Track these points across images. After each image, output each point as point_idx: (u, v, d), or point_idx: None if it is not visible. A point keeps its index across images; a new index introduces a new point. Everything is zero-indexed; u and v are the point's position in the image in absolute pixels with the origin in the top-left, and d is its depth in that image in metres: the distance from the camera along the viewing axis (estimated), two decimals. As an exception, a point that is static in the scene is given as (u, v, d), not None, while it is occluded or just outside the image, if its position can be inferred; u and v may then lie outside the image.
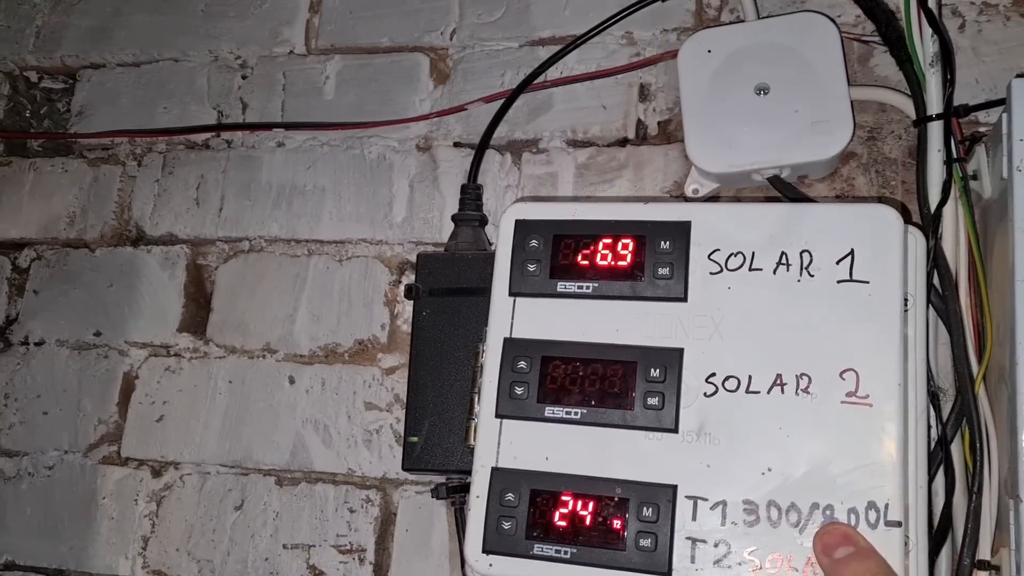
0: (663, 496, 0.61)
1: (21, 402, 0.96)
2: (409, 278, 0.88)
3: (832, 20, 0.76)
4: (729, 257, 0.65)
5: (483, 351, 0.69)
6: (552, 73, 0.88)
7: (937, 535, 0.65)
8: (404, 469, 0.77)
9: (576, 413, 0.64)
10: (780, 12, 0.83)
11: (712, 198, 0.79)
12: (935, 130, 0.71)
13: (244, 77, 1.00)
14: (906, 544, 0.57)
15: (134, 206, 0.99)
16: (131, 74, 1.04)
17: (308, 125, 0.95)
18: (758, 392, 0.62)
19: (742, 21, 0.81)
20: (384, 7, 0.96)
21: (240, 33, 1.01)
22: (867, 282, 0.62)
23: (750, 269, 0.64)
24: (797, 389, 0.61)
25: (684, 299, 0.65)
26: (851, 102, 0.74)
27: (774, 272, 0.64)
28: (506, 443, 0.66)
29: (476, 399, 0.69)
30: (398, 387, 0.85)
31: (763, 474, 0.60)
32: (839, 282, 0.62)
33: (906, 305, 0.62)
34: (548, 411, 0.65)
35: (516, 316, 0.68)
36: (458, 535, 0.76)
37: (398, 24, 0.95)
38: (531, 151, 0.88)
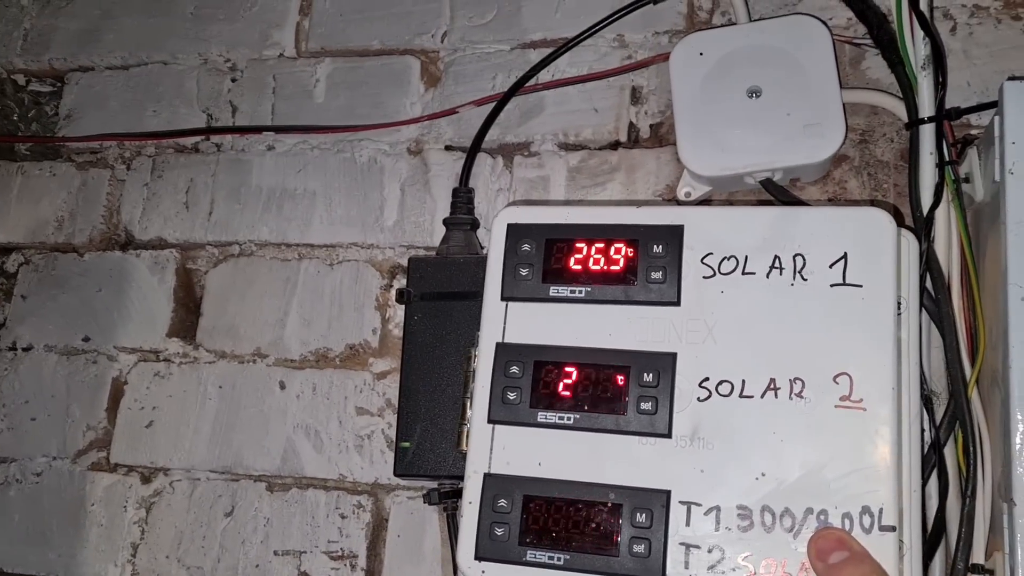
0: (657, 501, 0.61)
1: (9, 408, 0.95)
2: (400, 282, 0.88)
3: (824, 23, 0.76)
4: (722, 261, 0.65)
5: (475, 356, 0.69)
6: (544, 76, 0.88)
7: (931, 539, 0.65)
8: (396, 474, 0.76)
9: (569, 418, 0.64)
10: (772, 15, 0.83)
11: (704, 201, 0.79)
12: (927, 133, 0.72)
13: (234, 80, 0.99)
14: (900, 548, 0.57)
15: (123, 210, 0.99)
16: (120, 77, 1.03)
17: (298, 128, 0.95)
18: (752, 396, 0.61)
19: (734, 24, 0.81)
20: (375, 10, 0.96)
21: (230, 36, 1.00)
22: (860, 286, 0.62)
23: (743, 273, 0.64)
24: (791, 393, 0.61)
25: (677, 303, 0.65)
26: (843, 105, 0.74)
27: (767, 276, 0.63)
28: (499, 448, 0.65)
29: (468, 404, 0.69)
30: (390, 392, 0.85)
31: (757, 479, 0.60)
32: (832, 286, 0.62)
33: (899, 308, 0.62)
34: (541, 416, 0.65)
35: (508, 321, 0.68)
36: (450, 541, 0.76)
37: (389, 27, 0.95)
38: (523, 154, 0.88)
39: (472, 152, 0.86)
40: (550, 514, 0.63)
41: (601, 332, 0.65)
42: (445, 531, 0.79)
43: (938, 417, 0.67)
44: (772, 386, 0.61)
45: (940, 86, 0.72)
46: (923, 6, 0.73)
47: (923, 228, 0.69)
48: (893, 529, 0.57)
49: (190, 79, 1.01)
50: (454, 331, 0.77)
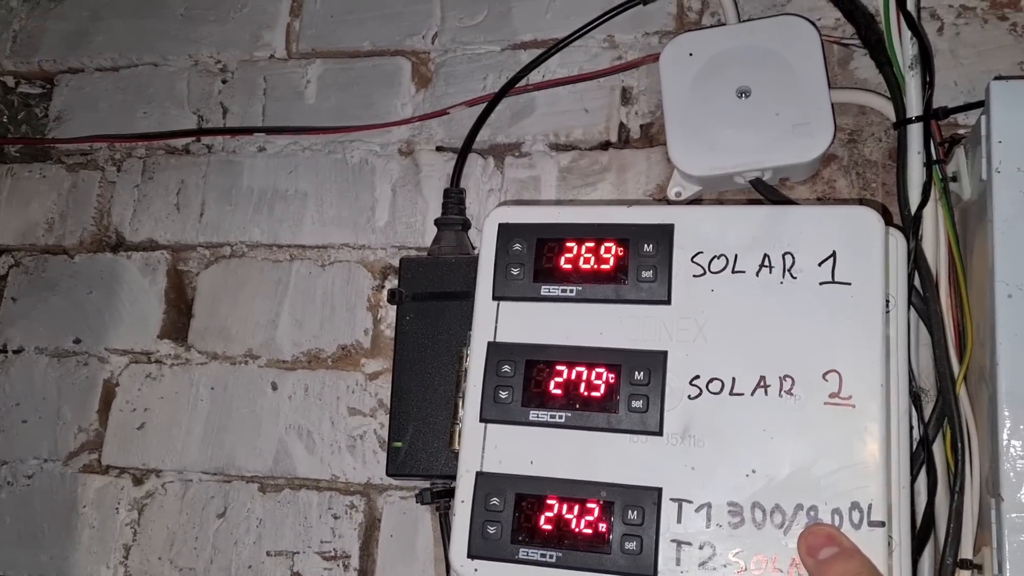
0: (648, 499, 0.61)
1: (0, 410, 0.95)
2: (392, 283, 0.88)
3: (812, 23, 0.77)
4: (712, 259, 0.65)
5: (467, 355, 0.69)
6: (534, 77, 0.88)
7: (920, 534, 0.65)
8: (388, 474, 0.76)
9: (561, 417, 0.64)
10: (761, 15, 0.83)
11: (695, 201, 0.79)
12: (915, 132, 0.72)
13: (224, 82, 0.99)
14: (889, 544, 0.58)
15: (113, 212, 0.98)
16: (110, 79, 1.03)
17: (289, 130, 0.95)
18: (742, 394, 0.62)
19: (723, 24, 0.81)
20: (365, 11, 0.96)
21: (220, 37, 1.00)
22: (849, 283, 0.62)
23: (733, 271, 0.64)
24: (780, 391, 0.61)
25: (668, 302, 0.65)
26: (831, 105, 0.74)
27: (757, 274, 0.64)
28: (491, 447, 0.65)
29: (460, 403, 0.69)
30: (382, 392, 0.85)
31: (747, 476, 0.60)
32: (821, 284, 0.62)
33: (888, 306, 0.62)
34: (533, 415, 0.65)
35: (500, 320, 0.68)
36: (443, 540, 0.76)
37: (379, 28, 0.95)
38: (514, 155, 0.88)
39: (463, 153, 0.87)
40: (542, 512, 0.63)
41: (592, 331, 0.66)
42: (438, 531, 0.80)
43: (927, 414, 0.67)
44: (762, 384, 0.62)
45: (927, 86, 0.73)
46: (910, 6, 0.73)
47: (911, 226, 0.70)
48: (882, 524, 0.57)
49: (180, 80, 1.01)
50: (445, 331, 0.77)
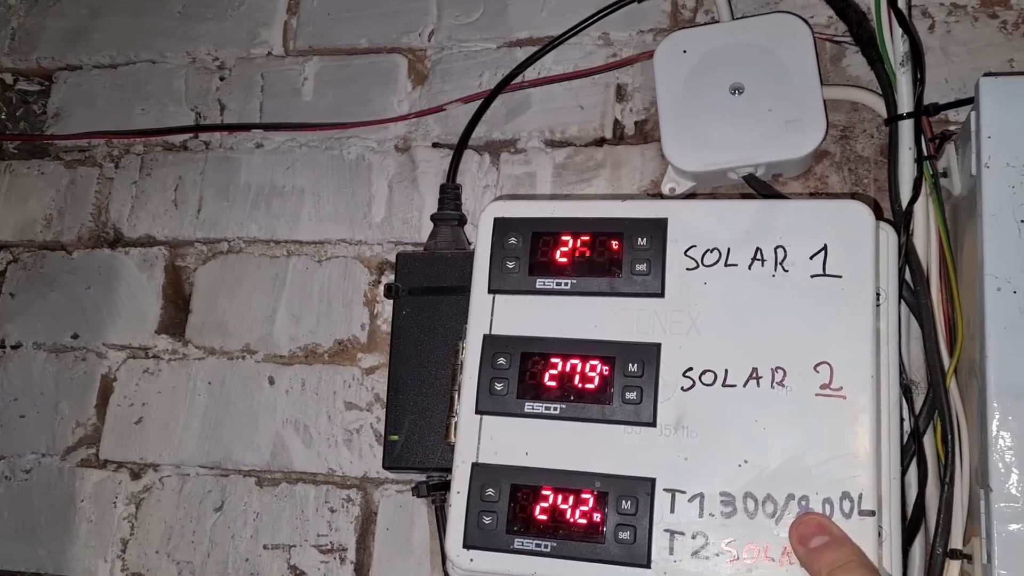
0: (642, 489, 0.62)
1: (-3, 405, 0.96)
2: (389, 278, 0.88)
3: (805, 21, 0.77)
4: (705, 253, 0.66)
5: (463, 348, 0.69)
6: (530, 74, 0.89)
7: (910, 525, 0.66)
8: (385, 468, 0.77)
9: (555, 408, 0.65)
10: (754, 13, 0.84)
11: (688, 196, 0.80)
12: (906, 129, 0.73)
13: (222, 79, 1.00)
14: (880, 534, 0.58)
15: (111, 208, 0.99)
16: (108, 76, 1.03)
17: (287, 126, 0.95)
18: (734, 386, 0.62)
19: (717, 22, 0.82)
20: (362, 8, 0.97)
21: (218, 34, 1.01)
22: (840, 276, 0.63)
23: (726, 265, 0.65)
24: (772, 382, 0.62)
25: (661, 295, 0.66)
26: (824, 101, 0.75)
27: (749, 267, 0.64)
28: (486, 439, 0.66)
29: (456, 396, 0.70)
30: (378, 386, 0.86)
31: (740, 466, 0.61)
32: (813, 277, 0.63)
33: (878, 300, 0.63)
34: (528, 407, 0.65)
35: (495, 313, 0.68)
36: (439, 533, 0.76)
37: (376, 25, 0.96)
38: (509, 151, 0.89)
39: (459, 149, 0.87)
40: (537, 502, 0.63)
41: (587, 323, 0.66)
42: (434, 524, 0.80)
43: (917, 406, 0.68)
44: (754, 375, 0.62)
45: (918, 82, 0.74)
46: (901, 4, 0.74)
47: (902, 221, 0.70)
48: (872, 514, 0.58)
49: (178, 77, 1.01)
50: (442, 326, 0.77)
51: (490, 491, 0.64)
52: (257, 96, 0.98)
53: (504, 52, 0.92)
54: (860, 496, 0.58)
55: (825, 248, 0.63)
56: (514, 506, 0.64)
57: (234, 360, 0.91)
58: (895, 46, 0.74)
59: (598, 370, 0.65)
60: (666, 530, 0.61)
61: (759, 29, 0.78)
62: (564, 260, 0.68)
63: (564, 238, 0.68)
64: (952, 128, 0.76)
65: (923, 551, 0.67)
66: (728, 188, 0.81)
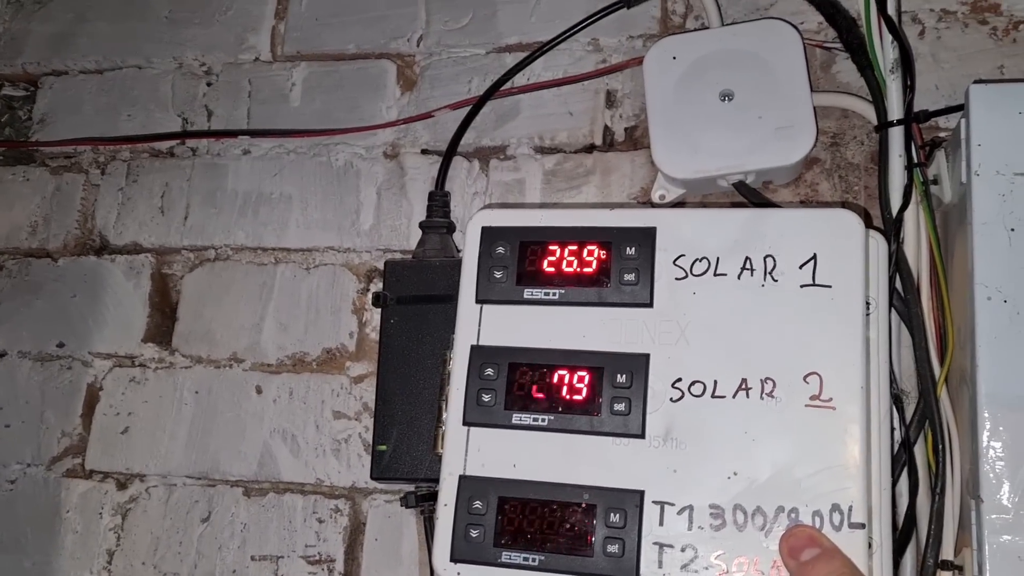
0: (630, 502, 0.61)
1: (-18, 415, 0.95)
2: (377, 286, 0.88)
3: (795, 27, 0.77)
4: (694, 262, 0.65)
5: (451, 358, 0.69)
6: (519, 80, 0.88)
7: (901, 536, 0.66)
8: (373, 478, 0.76)
9: (543, 420, 0.64)
10: (744, 19, 0.83)
11: (678, 204, 0.80)
12: (896, 136, 0.72)
13: (209, 84, 0.99)
14: (870, 545, 0.58)
15: (98, 215, 0.98)
16: (94, 81, 1.03)
17: (274, 132, 0.95)
18: (724, 397, 0.62)
19: (707, 28, 0.82)
20: (350, 14, 0.96)
21: (205, 40, 1.00)
22: (830, 286, 0.62)
23: (715, 274, 0.64)
24: (762, 393, 0.61)
25: (650, 305, 0.65)
26: (814, 108, 0.75)
27: (738, 277, 0.64)
28: (474, 450, 0.65)
29: (444, 407, 0.69)
30: (366, 396, 0.85)
31: (729, 478, 0.60)
32: (802, 286, 0.63)
33: (868, 309, 0.63)
34: (515, 418, 0.65)
35: (483, 323, 0.68)
36: (427, 544, 0.76)
37: (364, 31, 0.95)
38: (499, 158, 0.88)
39: (448, 156, 0.87)
40: (525, 515, 0.63)
41: (575, 334, 0.66)
42: (422, 534, 0.80)
43: (908, 416, 0.67)
44: (744, 386, 0.62)
45: (908, 89, 0.73)
46: (891, 10, 0.74)
47: (892, 229, 0.70)
48: (863, 527, 0.58)
49: (165, 83, 1.00)
50: (430, 334, 0.77)
51: (477, 504, 0.64)
52: (244, 102, 0.97)
53: (493, 58, 0.91)
54: (850, 508, 0.58)
55: (815, 257, 0.63)
56: (502, 519, 0.63)
57: (221, 369, 0.90)
58: (885, 52, 0.74)
59: (586, 381, 0.64)
60: (655, 543, 0.60)
61: (749, 35, 0.77)
62: (552, 270, 0.67)
63: (552, 247, 0.68)
64: (943, 135, 0.76)
65: (914, 562, 0.66)
66: (718, 195, 0.80)
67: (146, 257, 0.95)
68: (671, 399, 0.63)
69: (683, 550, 0.60)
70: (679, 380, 0.63)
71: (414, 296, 0.79)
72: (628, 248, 0.66)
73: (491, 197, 0.87)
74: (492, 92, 0.87)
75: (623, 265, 0.66)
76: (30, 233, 0.99)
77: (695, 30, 0.84)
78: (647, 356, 0.64)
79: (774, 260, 0.63)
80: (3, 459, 0.93)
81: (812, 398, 0.60)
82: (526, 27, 0.90)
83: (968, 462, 0.61)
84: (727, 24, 0.82)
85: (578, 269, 0.67)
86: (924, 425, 0.66)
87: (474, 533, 0.63)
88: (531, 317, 0.67)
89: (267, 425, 0.87)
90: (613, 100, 0.87)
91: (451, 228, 0.84)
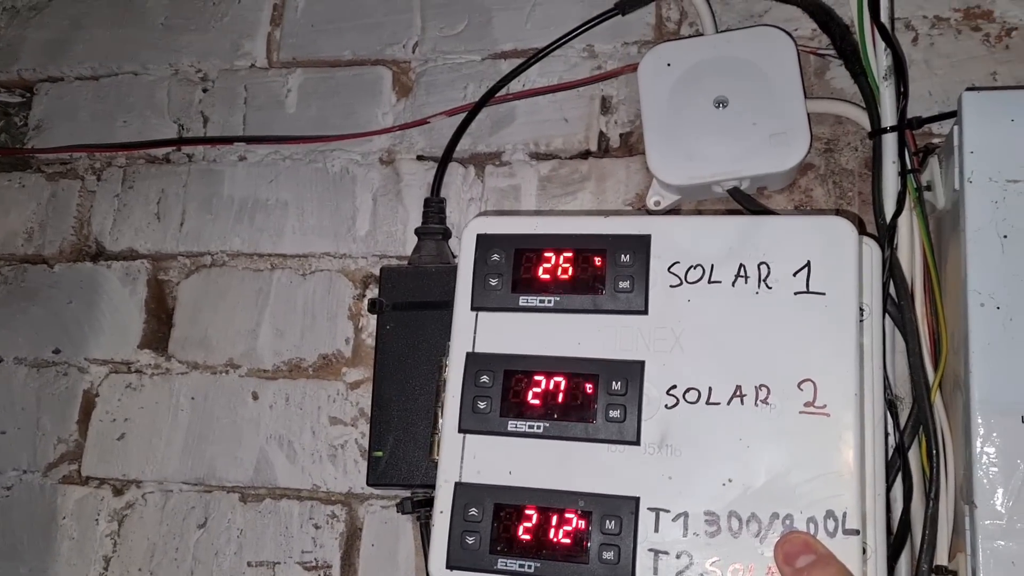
0: (626, 508, 0.61)
1: (-22, 422, 0.95)
2: (373, 292, 0.88)
3: (789, 34, 0.77)
4: (689, 270, 0.65)
5: (446, 365, 0.69)
6: (514, 86, 0.89)
7: (896, 541, 0.66)
8: (369, 484, 0.76)
9: (539, 427, 0.64)
10: (738, 26, 0.84)
11: (674, 210, 0.80)
12: (889, 142, 0.73)
13: (205, 91, 0.99)
14: (864, 551, 0.58)
15: (93, 221, 0.98)
16: (90, 88, 1.03)
17: (270, 139, 0.95)
18: (718, 403, 0.62)
19: (701, 35, 0.82)
20: (346, 20, 0.96)
21: (201, 46, 1.00)
22: (823, 293, 0.62)
23: (709, 282, 0.65)
24: (756, 400, 0.62)
25: (645, 312, 0.65)
26: (808, 114, 0.75)
27: (733, 284, 0.64)
28: (469, 457, 0.66)
29: (440, 414, 0.69)
30: (363, 401, 0.85)
31: (724, 485, 0.61)
32: (796, 294, 0.63)
33: (862, 315, 0.63)
34: (511, 425, 0.65)
35: (478, 331, 0.68)
36: (424, 550, 0.76)
37: (360, 37, 0.95)
38: (494, 164, 0.88)
39: (444, 162, 0.87)
40: (520, 522, 0.63)
41: (570, 341, 0.66)
42: (419, 540, 0.80)
43: (902, 421, 0.68)
44: (738, 393, 0.62)
45: (902, 96, 0.74)
46: (884, 17, 0.74)
47: (886, 235, 0.70)
48: (857, 533, 0.58)
49: (161, 89, 1.00)
50: (426, 341, 0.77)
51: (473, 511, 0.64)
52: (240, 108, 0.97)
53: (489, 64, 0.91)
54: (844, 515, 0.58)
55: (808, 265, 0.63)
56: (497, 526, 0.63)
57: (217, 375, 0.90)
58: (878, 59, 0.74)
59: (581, 388, 0.65)
60: (650, 549, 0.61)
61: (743, 42, 0.78)
62: (547, 277, 0.68)
63: (547, 255, 0.68)
64: (936, 141, 0.76)
65: (909, 567, 0.66)
66: (713, 202, 0.80)
67: (142, 263, 0.95)
68: (666, 406, 0.63)
69: (678, 557, 0.60)
70: (674, 387, 0.63)
71: (410, 302, 0.79)
72: (623, 255, 0.66)
73: (487, 203, 0.87)
74: (487, 98, 0.87)
75: (618, 272, 0.66)
76: (26, 239, 0.99)
77: (689, 37, 0.84)
78: (642, 363, 0.64)
79: (768, 267, 0.64)
80: (-1, 466, 0.93)
81: (806, 405, 0.61)
82: (521, 34, 0.91)
83: (962, 468, 0.62)
84: (721, 31, 0.82)
85: (573, 276, 0.67)
86: (918, 431, 0.67)
87: (470, 540, 0.63)
88: (526, 324, 0.67)
89: (263, 431, 0.87)
90: (608, 106, 0.87)
91: (447, 234, 0.84)
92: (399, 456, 0.75)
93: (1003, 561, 0.57)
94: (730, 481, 0.61)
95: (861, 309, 0.63)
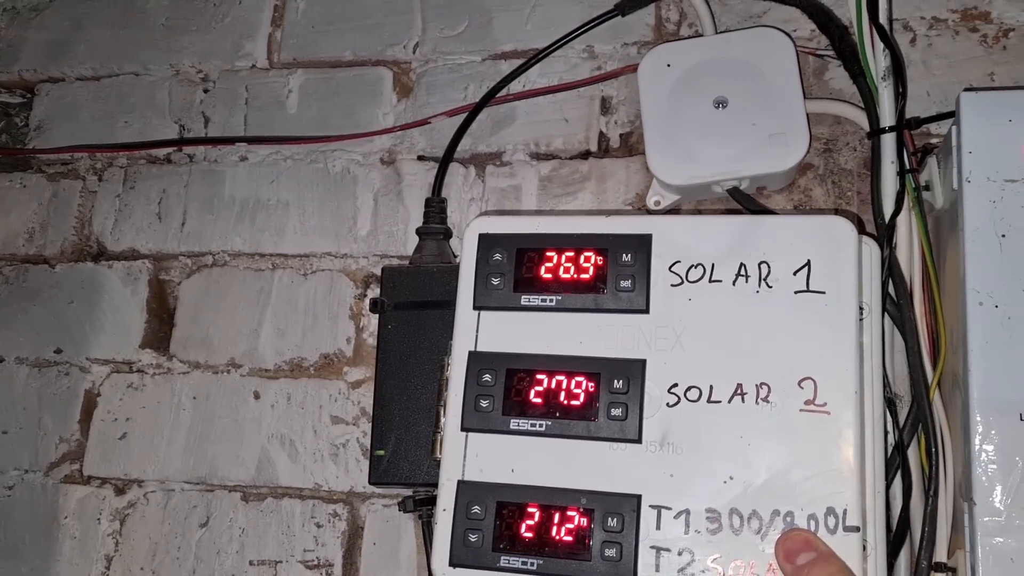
0: (627, 506, 0.62)
1: (-20, 421, 0.95)
2: (374, 292, 0.88)
3: (788, 35, 0.78)
4: (689, 269, 0.66)
5: (448, 364, 0.69)
6: (515, 87, 0.89)
7: (895, 538, 0.66)
8: (371, 483, 0.77)
9: (541, 425, 0.65)
10: (737, 27, 0.84)
11: (673, 210, 0.80)
12: (888, 142, 0.73)
13: (206, 91, 0.99)
14: (864, 548, 0.59)
15: (95, 221, 0.98)
16: (91, 88, 1.03)
17: (271, 139, 0.95)
18: (719, 402, 0.63)
19: (700, 35, 0.82)
20: (346, 21, 0.96)
21: (202, 47, 1.00)
22: (823, 292, 0.63)
23: (710, 281, 0.65)
24: (757, 398, 0.62)
25: (646, 311, 0.66)
26: (807, 115, 0.75)
27: (733, 283, 0.65)
28: (472, 456, 0.66)
29: (442, 412, 0.69)
30: (364, 401, 0.85)
31: (725, 482, 0.61)
32: (796, 292, 0.63)
33: (862, 314, 0.63)
34: (513, 423, 0.65)
35: (481, 330, 0.68)
36: (426, 548, 0.76)
37: (361, 38, 0.95)
38: (495, 164, 0.89)
39: (444, 162, 0.87)
40: (523, 520, 0.63)
41: (572, 340, 0.66)
42: (421, 538, 0.80)
43: (901, 419, 0.68)
44: (739, 391, 0.62)
45: (900, 96, 0.74)
46: (883, 18, 0.75)
47: (885, 235, 0.71)
48: (857, 530, 0.58)
49: (162, 90, 1.01)
50: (428, 340, 0.77)
51: (476, 509, 0.64)
52: (241, 109, 0.97)
53: (489, 65, 0.92)
54: (845, 512, 0.59)
55: (808, 264, 0.64)
56: (500, 524, 0.64)
57: (219, 374, 0.90)
58: (877, 60, 0.75)
59: (583, 387, 0.65)
60: (652, 547, 0.61)
61: (742, 43, 0.78)
62: (549, 276, 0.68)
63: (549, 254, 0.68)
64: (934, 141, 0.77)
65: (908, 564, 0.67)
66: (713, 201, 0.81)
67: (143, 263, 0.96)
68: (667, 404, 0.64)
69: (680, 554, 0.60)
70: (675, 385, 0.64)
71: (411, 302, 0.79)
72: (624, 255, 0.67)
73: (487, 203, 0.88)
74: (488, 99, 0.88)
75: (619, 271, 0.67)
76: (27, 240, 1.00)
77: (689, 37, 0.84)
78: (643, 362, 0.65)
79: (768, 267, 0.64)
80: (1, 465, 0.93)
81: (807, 403, 0.61)
82: (521, 34, 0.91)
83: (961, 465, 0.62)
84: (721, 32, 0.83)
85: (575, 276, 0.67)
86: (917, 429, 0.67)
87: (473, 538, 0.64)
88: (528, 323, 0.68)
89: (265, 430, 0.87)
90: (608, 107, 0.88)
91: (448, 234, 0.85)
92: (401, 455, 0.76)
93: (1002, 558, 0.58)
94: (731, 479, 0.61)
95: (861, 308, 0.63)
